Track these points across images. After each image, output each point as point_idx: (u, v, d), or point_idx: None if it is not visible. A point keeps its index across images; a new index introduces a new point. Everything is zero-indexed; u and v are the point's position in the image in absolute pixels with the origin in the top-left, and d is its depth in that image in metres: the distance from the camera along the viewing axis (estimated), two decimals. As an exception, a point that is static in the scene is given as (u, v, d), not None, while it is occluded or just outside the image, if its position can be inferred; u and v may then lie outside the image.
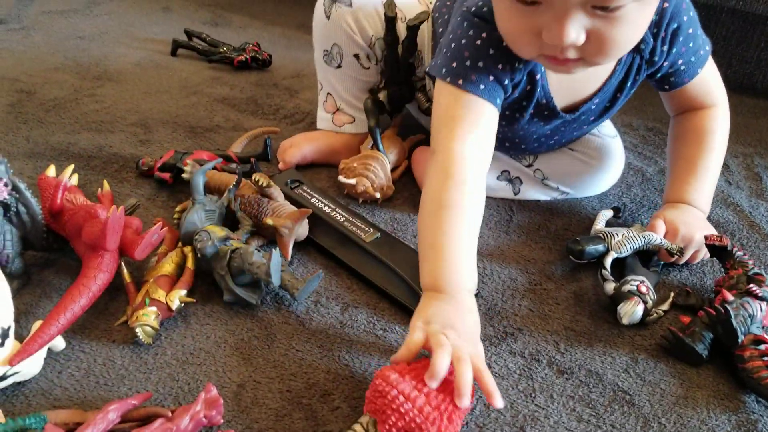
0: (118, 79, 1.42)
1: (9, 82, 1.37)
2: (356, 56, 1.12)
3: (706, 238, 0.89)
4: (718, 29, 1.44)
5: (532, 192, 1.11)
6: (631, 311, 0.83)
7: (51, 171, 0.90)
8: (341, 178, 1.05)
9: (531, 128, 0.98)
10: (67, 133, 1.20)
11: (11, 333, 0.69)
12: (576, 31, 0.72)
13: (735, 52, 1.47)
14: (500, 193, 1.11)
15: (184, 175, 0.96)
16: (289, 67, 1.53)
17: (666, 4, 0.87)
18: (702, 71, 0.95)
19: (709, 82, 0.98)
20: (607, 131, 1.09)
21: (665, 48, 0.90)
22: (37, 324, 0.72)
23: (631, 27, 0.74)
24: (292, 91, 1.42)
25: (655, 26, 0.88)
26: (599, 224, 0.99)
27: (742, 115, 1.40)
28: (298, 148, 1.15)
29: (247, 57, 1.49)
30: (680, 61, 0.93)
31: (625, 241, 0.92)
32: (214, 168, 1.03)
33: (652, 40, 0.89)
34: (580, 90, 0.95)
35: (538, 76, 0.90)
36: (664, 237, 0.94)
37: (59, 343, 0.75)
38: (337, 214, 0.98)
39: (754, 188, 1.18)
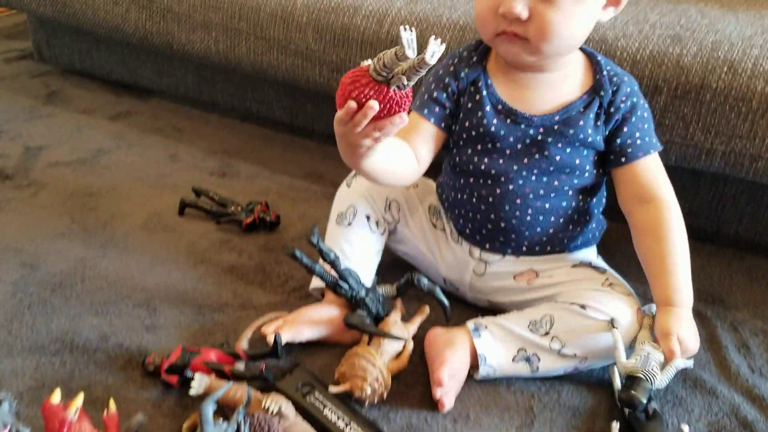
0: (125, 247, 1.40)
1: (13, 254, 1.35)
2: (367, 217, 1.22)
3: None
4: (727, 188, 1.43)
5: (550, 366, 1.08)
6: None
7: (56, 397, 0.87)
8: (332, 388, 1.01)
9: (505, 144, 1.11)
10: (70, 318, 1.18)
11: None
12: (521, 5, 0.95)
13: (746, 211, 1.45)
14: (518, 374, 1.08)
15: (191, 392, 0.93)
16: (297, 225, 1.51)
17: (625, 79, 1.10)
18: (653, 155, 1.10)
19: (659, 170, 1.11)
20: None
21: (622, 108, 1.08)
22: None
23: (566, 17, 0.97)
24: (300, 256, 1.40)
25: (614, 84, 1.08)
26: (623, 356, 1.02)
27: (758, 281, 1.36)
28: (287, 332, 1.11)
29: (256, 218, 1.48)
30: (637, 134, 1.08)
31: (665, 379, 0.99)
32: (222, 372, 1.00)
33: (610, 92, 1.08)
34: (537, 100, 1.10)
35: (480, 83, 1.10)
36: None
37: None
38: (352, 430, 0.94)
39: (779, 376, 1.14)
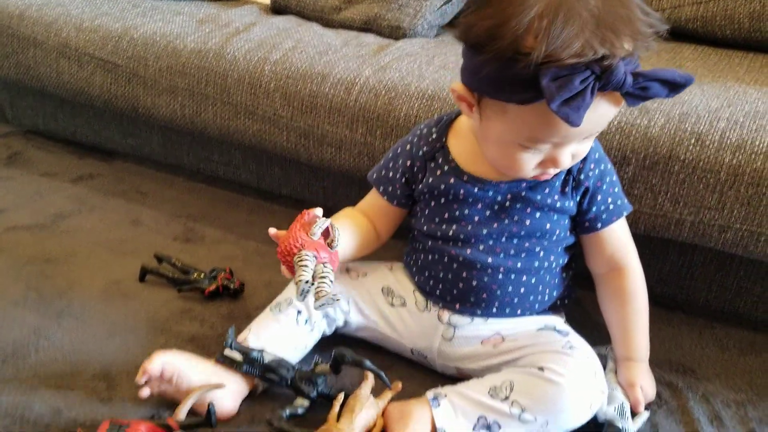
0: (82, 316, 1.35)
1: (-36, 323, 1.30)
2: (298, 312, 1.20)
3: None
4: (696, 257, 1.43)
5: None
6: None
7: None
8: None
9: (473, 212, 1.13)
10: (23, 392, 1.12)
11: None
12: (569, 157, 0.99)
13: (715, 279, 1.45)
14: None
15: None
16: (262, 293, 1.47)
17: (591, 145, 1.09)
18: (623, 219, 1.15)
19: (627, 234, 1.18)
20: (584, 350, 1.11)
21: (592, 176, 1.10)
22: None
23: (591, 143, 1.03)
24: (265, 326, 1.36)
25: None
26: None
27: (729, 350, 1.35)
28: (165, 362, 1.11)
29: (219, 285, 1.44)
30: (609, 199, 1.12)
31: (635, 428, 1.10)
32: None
33: (580, 161, 1.08)
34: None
35: (440, 159, 1.14)
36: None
37: None
38: None
39: (753, 450, 1.12)
